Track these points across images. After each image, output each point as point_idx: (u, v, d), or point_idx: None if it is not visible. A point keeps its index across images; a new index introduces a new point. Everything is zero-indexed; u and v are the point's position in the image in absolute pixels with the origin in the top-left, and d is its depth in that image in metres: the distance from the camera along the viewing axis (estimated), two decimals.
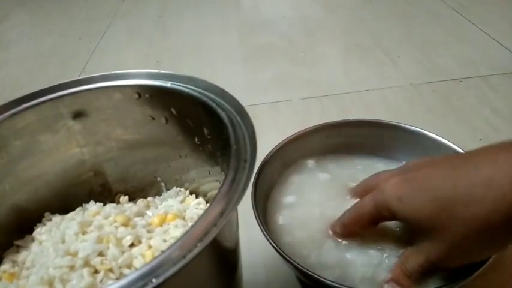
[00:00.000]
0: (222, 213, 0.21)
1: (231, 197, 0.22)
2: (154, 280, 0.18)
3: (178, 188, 0.36)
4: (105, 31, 0.97)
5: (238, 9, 1.03)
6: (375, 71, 0.71)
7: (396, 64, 0.72)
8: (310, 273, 0.31)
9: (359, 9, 0.95)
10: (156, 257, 0.19)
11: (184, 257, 0.19)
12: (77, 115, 0.33)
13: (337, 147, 0.44)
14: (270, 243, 0.34)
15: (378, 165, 0.43)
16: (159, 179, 0.37)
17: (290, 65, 0.77)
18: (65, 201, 0.35)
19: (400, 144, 0.43)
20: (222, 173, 0.30)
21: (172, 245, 0.19)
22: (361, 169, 0.43)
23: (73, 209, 0.33)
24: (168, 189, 0.37)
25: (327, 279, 0.31)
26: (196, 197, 0.35)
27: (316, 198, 0.41)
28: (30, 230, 0.33)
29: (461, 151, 0.39)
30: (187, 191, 0.36)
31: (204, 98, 0.29)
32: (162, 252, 0.19)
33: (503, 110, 0.59)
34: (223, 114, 0.28)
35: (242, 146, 0.25)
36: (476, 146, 0.53)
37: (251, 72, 0.76)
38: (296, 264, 0.32)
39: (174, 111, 0.32)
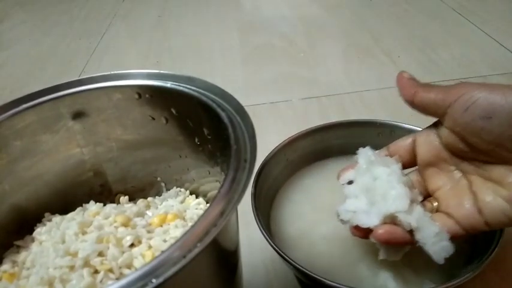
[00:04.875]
0: (222, 213, 0.21)
1: (231, 197, 0.22)
2: (154, 280, 0.18)
3: (179, 188, 0.36)
4: (105, 31, 0.97)
5: (238, 9, 1.03)
6: (374, 71, 0.71)
7: (396, 64, 0.72)
8: (309, 273, 0.31)
9: (359, 9, 0.95)
10: (156, 257, 0.19)
11: (184, 257, 0.19)
12: (77, 115, 0.33)
13: (340, 147, 0.44)
14: (269, 243, 0.34)
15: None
16: (159, 179, 0.37)
17: (290, 65, 0.77)
18: (65, 201, 0.35)
19: None
20: (222, 173, 0.30)
21: (172, 245, 0.19)
22: None
23: (73, 209, 0.33)
24: (168, 189, 0.37)
25: (327, 279, 0.31)
26: (196, 197, 0.35)
27: (321, 200, 0.41)
28: (30, 230, 0.33)
29: None
30: (187, 191, 0.36)
31: (204, 98, 0.29)
32: (162, 252, 0.19)
33: None
34: (223, 114, 0.27)
35: (242, 146, 0.25)
36: None
37: (251, 72, 0.76)
38: (296, 264, 0.32)
39: (174, 112, 0.32)
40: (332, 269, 0.35)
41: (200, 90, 0.30)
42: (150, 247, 0.29)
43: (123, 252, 0.28)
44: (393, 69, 0.71)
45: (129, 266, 0.28)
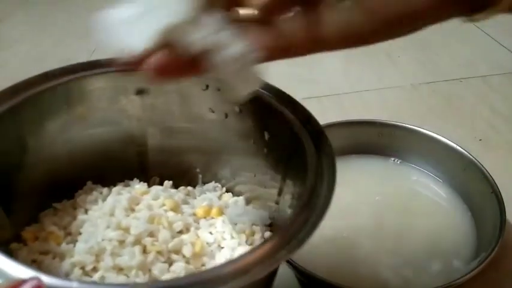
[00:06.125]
0: (294, 236, 0.21)
1: (306, 220, 0.22)
2: None
3: (216, 184, 0.36)
4: None
5: None
6: (374, 71, 0.71)
7: (396, 64, 0.72)
8: (310, 273, 0.31)
9: None
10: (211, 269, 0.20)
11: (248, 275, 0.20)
12: (140, 91, 0.33)
13: (340, 147, 0.44)
14: None
15: (375, 164, 0.43)
16: (198, 170, 0.36)
17: (290, 65, 0.76)
18: (99, 173, 0.34)
19: (400, 144, 0.43)
20: (278, 181, 0.30)
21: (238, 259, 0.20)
22: (357, 168, 0.43)
23: (105, 183, 0.33)
24: (204, 183, 0.36)
25: (327, 279, 0.31)
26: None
27: None
28: (62, 195, 0.32)
29: (462, 150, 0.39)
30: (224, 188, 0.35)
31: (274, 101, 0.30)
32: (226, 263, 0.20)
33: (503, 110, 0.59)
34: (294, 121, 0.28)
35: (320, 160, 0.25)
36: (476, 146, 0.53)
37: None
38: (296, 264, 0.32)
39: (237, 109, 0.32)
40: (332, 269, 0.35)
41: (271, 95, 0.30)
42: (198, 237, 0.29)
43: (173, 237, 0.28)
44: (393, 69, 0.71)
45: (177, 252, 0.28)
